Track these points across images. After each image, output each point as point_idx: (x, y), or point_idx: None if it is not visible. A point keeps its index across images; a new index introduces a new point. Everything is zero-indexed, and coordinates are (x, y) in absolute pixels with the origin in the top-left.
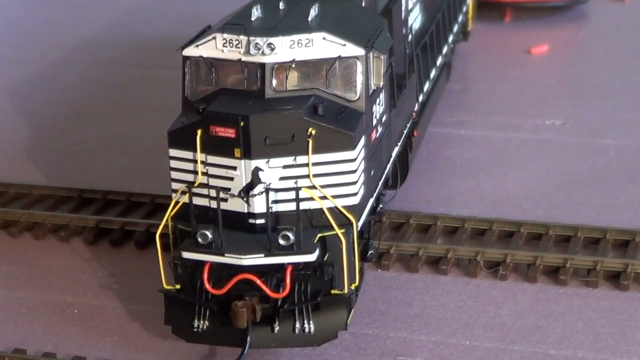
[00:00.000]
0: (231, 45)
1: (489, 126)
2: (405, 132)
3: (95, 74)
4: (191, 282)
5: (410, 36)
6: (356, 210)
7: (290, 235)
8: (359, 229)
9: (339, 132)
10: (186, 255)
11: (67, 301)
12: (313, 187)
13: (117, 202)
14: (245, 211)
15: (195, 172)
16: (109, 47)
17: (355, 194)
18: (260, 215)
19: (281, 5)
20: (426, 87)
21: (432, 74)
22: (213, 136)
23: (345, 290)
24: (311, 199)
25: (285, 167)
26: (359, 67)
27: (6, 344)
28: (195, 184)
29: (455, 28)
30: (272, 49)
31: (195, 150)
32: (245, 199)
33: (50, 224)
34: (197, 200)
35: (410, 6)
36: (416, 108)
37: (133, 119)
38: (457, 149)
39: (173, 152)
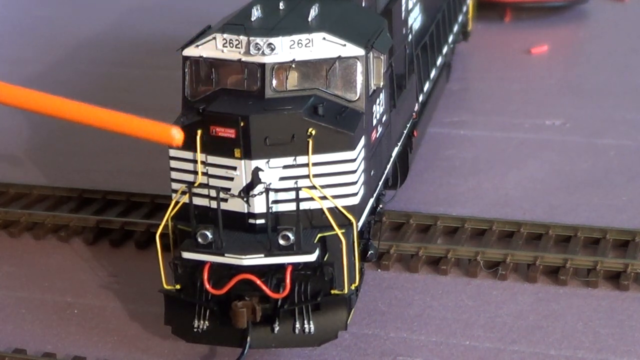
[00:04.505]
0: (231, 45)
1: (489, 126)
2: (405, 132)
3: (95, 74)
4: (191, 282)
5: (410, 36)
6: (356, 210)
7: (290, 235)
8: (359, 229)
9: (339, 132)
10: (186, 255)
11: (67, 301)
12: (313, 187)
13: (117, 202)
14: (245, 211)
15: (195, 172)
16: (109, 47)
17: (355, 194)
18: (260, 216)
19: (281, 6)
20: (426, 87)
21: (432, 74)
22: (213, 136)
23: (345, 291)
24: (311, 199)
25: (285, 167)
26: (359, 67)
27: (6, 344)
28: (195, 184)
29: (455, 28)
30: (272, 49)
31: (195, 151)
32: (245, 199)
33: (50, 224)
34: (197, 200)
35: (410, 6)
36: (416, 108)
37: None
38: (457, 149)
39: (173, 152)
